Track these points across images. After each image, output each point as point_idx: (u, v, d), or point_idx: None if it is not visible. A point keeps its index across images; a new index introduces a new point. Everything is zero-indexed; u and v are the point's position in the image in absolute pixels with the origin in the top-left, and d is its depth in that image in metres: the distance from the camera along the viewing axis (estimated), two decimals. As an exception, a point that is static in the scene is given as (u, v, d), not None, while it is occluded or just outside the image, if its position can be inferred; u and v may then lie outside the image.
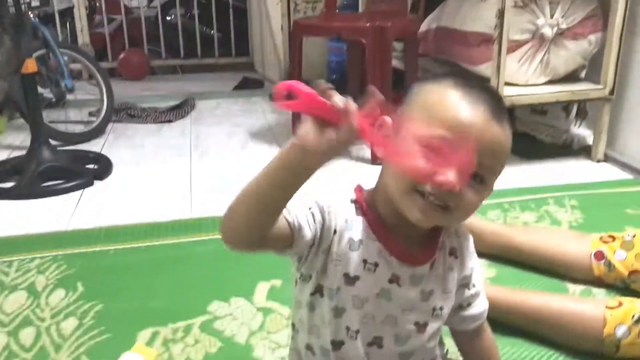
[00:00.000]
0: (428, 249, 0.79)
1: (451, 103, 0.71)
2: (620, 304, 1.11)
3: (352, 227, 0.77)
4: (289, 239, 0.72)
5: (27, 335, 1.23)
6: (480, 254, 1.43)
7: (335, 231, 0.76)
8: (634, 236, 1.31)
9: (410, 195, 0.71)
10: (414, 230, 0.76)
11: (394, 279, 0.78)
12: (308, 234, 0.73)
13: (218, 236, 1.61)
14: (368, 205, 0.78)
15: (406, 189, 0.71)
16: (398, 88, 2.43)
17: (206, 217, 1.74)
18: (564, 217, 1.69)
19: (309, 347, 0.84)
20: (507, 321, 1.17)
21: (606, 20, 2.03)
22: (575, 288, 1.34)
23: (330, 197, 0.77)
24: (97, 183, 2.03)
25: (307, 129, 0.62)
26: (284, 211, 0.70)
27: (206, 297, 1.33)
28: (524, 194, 1.85)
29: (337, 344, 0.80)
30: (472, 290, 0.85)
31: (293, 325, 0.86)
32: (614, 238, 1.34)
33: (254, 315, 1.27)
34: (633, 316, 1.08)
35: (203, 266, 1.49)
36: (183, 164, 2.20)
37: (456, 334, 0.91)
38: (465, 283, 0.84)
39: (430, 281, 0.79)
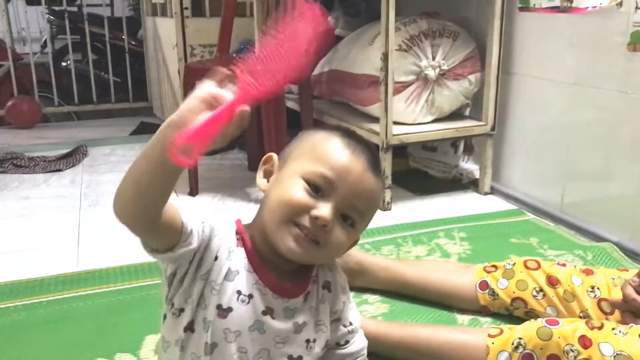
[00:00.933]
0: (301, 282, 0.81)
1: (336, 148, 0.78)
2: (501, 332, 1.15)
3: (232, 257, 0.78)
4: (176, 238, 0.71)
5: None
6: (374, 290, 1.47)
7: (216, 257, 0.77)
8: (514, 264, 1.37)
9: (286, 225, 0.75)
10: (288, 264, 0.79)
11: (268, 311, 0.78)
12: (194, 243, 0.73)
13: (105, 289, 1.55)
14: (246, 239, 0.80)
15: (284, 219, 0.75)
16: (295, 128, 2.45)
17: (93, 269, 1.66)
18: (453, 249, 1.75)
19: None
20: (396, 355, 1.18)
21: (484, 61, 2.17)
22: (463, 318, 1.38)
23: (220, 224, 0.79)
24: (-24, 238, 1.89)
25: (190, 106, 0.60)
26: (181, 211, 0.71)
27: (88, 356, 1.25)
28: (417, 228, 1.90)
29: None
30: (348, 328, 0.86)
31: None
32: (496, 267, 1.40)
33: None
34: (512, 343, 1.12)
35: (86, 323, 1.40)
36: (71, 215, 2.09)
37: None
38: (337, 318, 0.86)
39: (303, 313, 0.81)
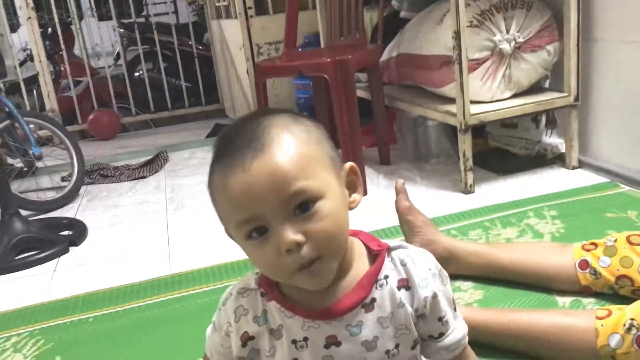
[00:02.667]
0: (357, 291, 0.74)
1: (217, 190, 0.69)
2: (610, 313, 1.09)
3: (265, 319, 0.76)
4: None
5: (4, 420, 1.17)
6: (465, 277, 1.43)
7: (252, 337, 0.76)
8: (615, 240, 1.30)
9: (293, 276, 0.69)
10: (330, 285, 0.73)
11: (331, 342, 0.74)
12: None
13: (199, 290, 1.58)
14: (272, 286, 0.76)
15: (287, 275, 0.69)
16: (368, 118, 2.43)
17: (186, 271, 1.70)
18: (545, 229, 1.68)
19: None
20: (496, 343, 1.14)
21: (561, 29, 2.06)
22: (564, 300, 1.31)
23: (224, 321, 0.78)
24: (72, 249, 1.98)
25: None
26: None
27: (192, 355, 1.28)
28: (504, 210, 1.84)
29: None
30: (442, 321, 0.78)
31: None
32: (596, 245, 1.32)
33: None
34: (624, 324, 1.06)
35: (185, 324, 1.44)
36: (159, 220, 2.16)
37: None
38: (421, 314, 0.77)
39: (370, 326, 0.74)
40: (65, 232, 2.12)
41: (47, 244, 1.96)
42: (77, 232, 2.09)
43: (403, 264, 0.76)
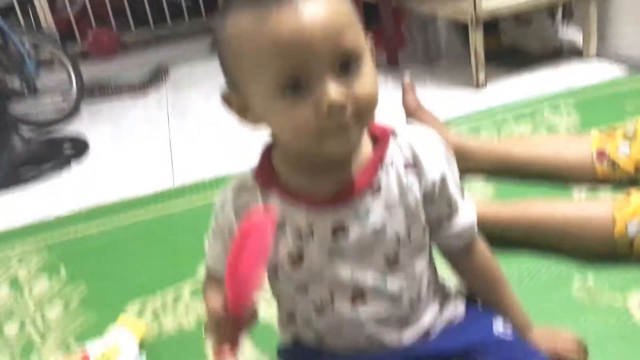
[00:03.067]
0: (363, 176, 0.69)
1: (256, 27, 0.59)
2: (628, 199, 1.03)
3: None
4: None
5: (12, 327, 1.17)
6: (476, 173, 1.37)
7: None
8: (637, 122, 1.22)
9: (323, 140, 0.61)
10: (333, 168, 0.68)
11: (337, 229, 0.69)
12: None
13: (203, 201, 1.53)
14: (272, 177, 0.70)
15: (318, 138, 0.61)
16: (373, 23, 2.31)
17: (190, 183, 1.66)
18: (561, 123, 1.60)
19: (291, 316, 0.78)
20: (509, 236, 1.09)
21: None
22: (580, 194, 1.25)
23: (226, 224, 0.73)
24: (74, 165, 1.95)
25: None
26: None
27: (195, 260, 1.26)
28: (517, 106, 1.75)
29: (319, 308, 0.73)
30: (448, 206, 0.74)
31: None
32: (615, 129, 1.25)
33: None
34: (644, 210, 1.00)
35: (190, 232, 1.41)
36: (162, 134, 2.11)
37: (446, 255, 0.81)
38: (430, 198, 0.72)
39: (378, 212, 0.69)
40: (67, 150, 2.08)
41: (48, 160, 1.93)
42: (79, 149, 2.05)
43: (409, 147, 0.71)
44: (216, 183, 1.62)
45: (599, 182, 1.24)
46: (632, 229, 1.00)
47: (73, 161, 1.96)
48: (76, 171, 1.92)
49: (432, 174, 0.71)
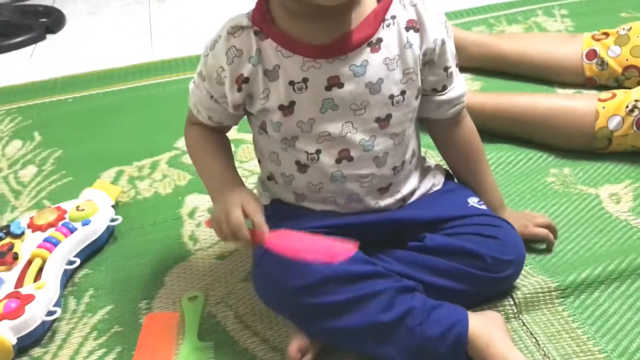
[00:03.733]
0: (361, 29, 0.68)
1: None
2: (613, 96, 1.03)
3: (260, 59, 0.69)
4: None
5: (-17, 185, 1.15)
6: (464, 68, 1.34)
7: (247, 79, 0.70)
8: (630, 29, 1.20)
9: None
10: (332, 16, 0.67)
11: (332, 82, 0.68)
12: (232, 121, 0.78)
13: (182, 76, 1.49)
14: (268, 22, 0.69)
15: None
16: None
17: (169, 58, 1.61)
18: (554, 26, 1.57)
19: (270, 177, 0.78)
20: (494, 127, 1.09)
21: None
22: (565, 92, 1.25)
23: (215, 66, 0.71)
24: (49, 37, 1.87)
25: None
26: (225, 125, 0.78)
27: (173, 133, 1.24)
28: (511, 7, 1.71)
29: (302, 166, 0.73)
30: (447, 71, 0.75)
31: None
32: (607, 35, 1.23)
33: (224, 148, 1.19)
34: (627, 106, 1.01)
35: (168, 106, 1.38)
36: (142, 9, 2.02)
37: (433, 126, 0.82)
38: (430, 59, 0.72)
39: (376, 67, 0.69)
40: (42, 20, 1.98)
41: (23, 29, 1.84)
42: (55, 19, 1.95)
43: (413, 5, 0.71)
44: (197, 61, 1.57)
45: (586, 82, 1.24)
46: (612, 124, 1.01)
47: (48, 32, 1.88)
48: (51, 42, 1.84)
49: (434, 36, 0.71)
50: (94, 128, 1.32)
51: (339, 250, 0.65)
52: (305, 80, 0.69)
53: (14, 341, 0.76)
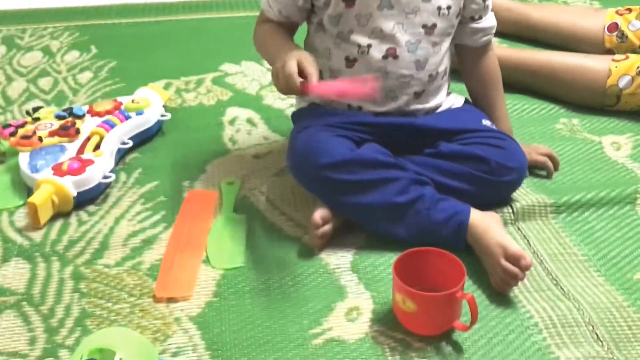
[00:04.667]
0: None
1: None
2: (627, 57, 1.13)
3: None
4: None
5: (45, 82, 1.27)
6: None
7: None
8: (652, 6, 1.29)
9: None
10: None
11: None
12: (299, 17, 0.88)
13: (230, 15, 1.58)
14: None
15: None
16: None
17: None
18: (583, 5, 1.65)
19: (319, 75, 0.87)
20: (514, 79, 1.18)
21: None
22: (584, 60, 1.34)
23: None
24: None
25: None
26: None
27: (218, 59, 1.35)
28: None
29: (350, 61, 0.84)
30: (483, 2, 0.86)
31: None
32: (630, 10, 1.31)
33: (265, 73, 1.29)
34: (638, 67, 1.10)
35: (215, 35, 1.49)
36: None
37: (463, 51, 0.93)
38: None
39: None
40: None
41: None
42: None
43: None
44: (242, 4, 1.67)
45: (606, 52, 1.32)
46: (622, 83, 1.10)
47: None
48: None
49: None
50: (145, 48, 1.44)
51: (368, 85, 0.76)
52: None
53: (74, 193, 0.88)
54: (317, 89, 0.76)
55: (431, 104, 0.88)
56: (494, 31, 0.90)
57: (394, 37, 0.82)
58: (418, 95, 0.86)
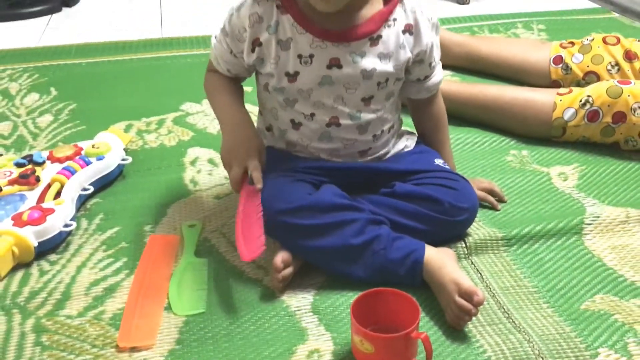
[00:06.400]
0: (366, 24, 0.82)
1: None
2: (570, 91, 1.18)
3: (278, 29, 0.82)
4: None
5: (5, 127, 1.27)
6: (445, 66, 1.49)
7: (261, 44, 0.83)
8: (592, 40, 1.36)
9: None
10: (344, 10, 0.80)
11: (333, 63, 0.82)
12: (247, 74, 0.91)
13: (190, 53, 1.63)
14: (291, 1, 0.82)
15: None
16: None
17: (177, 37, 1.74)
18: (530, 38, 1.73)
19: (269, 128, 0.92)
20: (466, 112, 1.24)
21: None
22: (532, 91, 1.40)
23: (238, 26, 0.84)
24: (65, 9, 1.99)
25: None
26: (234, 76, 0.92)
27: (179, 98, 1.38)
28: (494, 19, 1.87)
29: (296, 125, 0.88)
30: (432, 66, 0.89)
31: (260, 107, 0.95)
32: (573, 43, 1.39)
33: (225, 112, 1.31)
34: (580, 100, 1.16)
35: (176, 75, 1.52)
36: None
37: (411, 103, 0.97)
38: (420, 59, 0.87)
39: (372, 58, 0.83)
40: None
41: (40, 0, 1.96)
42: (70, -6, 2.07)
43: (412, 11, 0.85)
44: (203, 41, 1.70)
45: (551, 84, 1.39)
46: (567, 115, 1.16)
47: (64, 5, 2.00)
48: (66, 14, 1.96)
49: (426, 41, 0.86)
50: (106, 88, 1.45)
51: (253, 249, 0.78)
52: (311, 56, 0.82)
53: (35, 244, 0.88)
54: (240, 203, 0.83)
55: (379, 154, 0.92)
56: (439, 85, 0.93)
57: (336, 109, 0.85)
58: (364, 153, 0.91)
